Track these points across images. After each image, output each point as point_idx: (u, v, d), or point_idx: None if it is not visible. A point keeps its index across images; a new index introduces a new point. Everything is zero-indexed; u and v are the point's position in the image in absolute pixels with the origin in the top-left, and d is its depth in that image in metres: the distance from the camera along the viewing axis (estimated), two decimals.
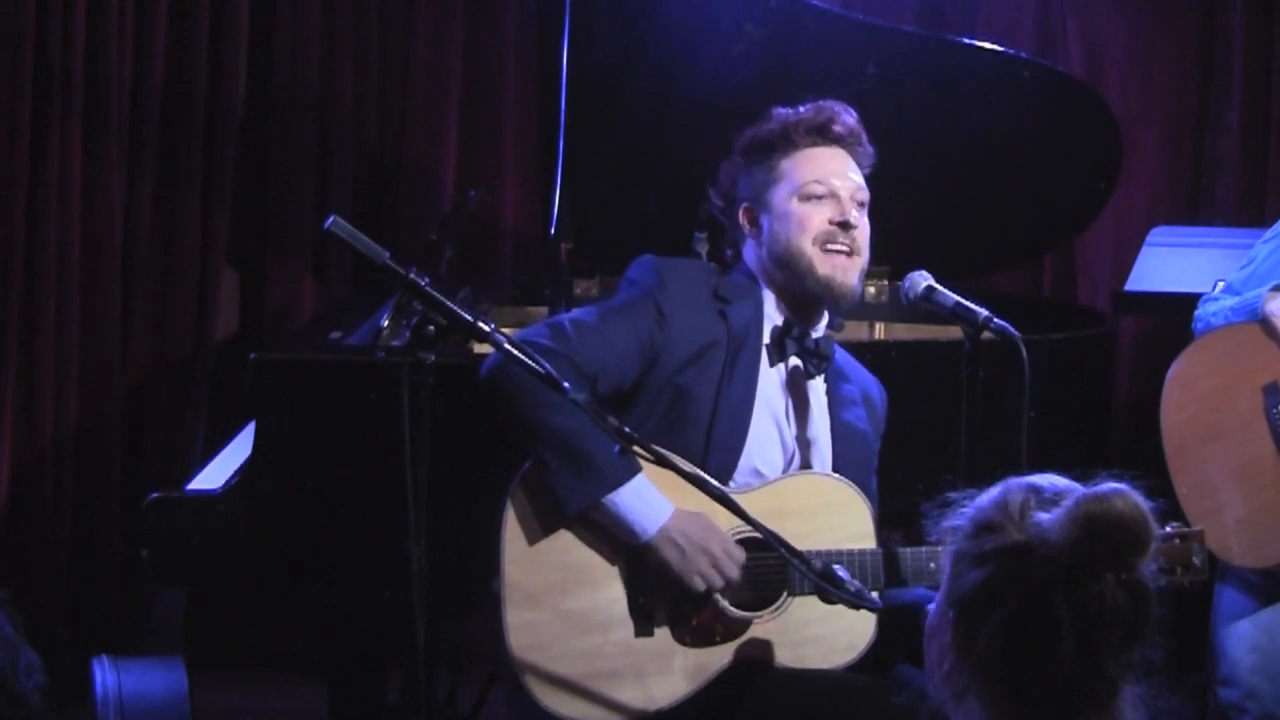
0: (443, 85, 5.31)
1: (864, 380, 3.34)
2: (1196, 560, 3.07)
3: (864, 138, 3.23)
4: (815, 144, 3.20)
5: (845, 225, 3.14)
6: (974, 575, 1.76)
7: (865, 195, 3.20)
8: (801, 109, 3.23)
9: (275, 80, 5.23)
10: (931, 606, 1.85)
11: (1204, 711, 3.83)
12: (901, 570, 3.06)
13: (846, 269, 3.14)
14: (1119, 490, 1.74)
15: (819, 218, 3.15)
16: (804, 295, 3.18)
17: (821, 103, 3.24)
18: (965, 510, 1.82)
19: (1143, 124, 5.40)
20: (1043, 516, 1.74)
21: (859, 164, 3.22)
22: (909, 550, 3.06)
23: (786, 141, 3.19)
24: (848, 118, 3.22)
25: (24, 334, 4.94)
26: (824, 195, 3.16)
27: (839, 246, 3.14)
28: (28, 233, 4.93)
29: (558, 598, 3.03)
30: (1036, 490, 1.78)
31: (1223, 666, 3.71)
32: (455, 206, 5.18)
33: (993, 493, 1.81)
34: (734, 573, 3.02)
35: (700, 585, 3.01)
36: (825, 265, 3.14)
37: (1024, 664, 1.73)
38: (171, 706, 3.68)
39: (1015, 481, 1.80)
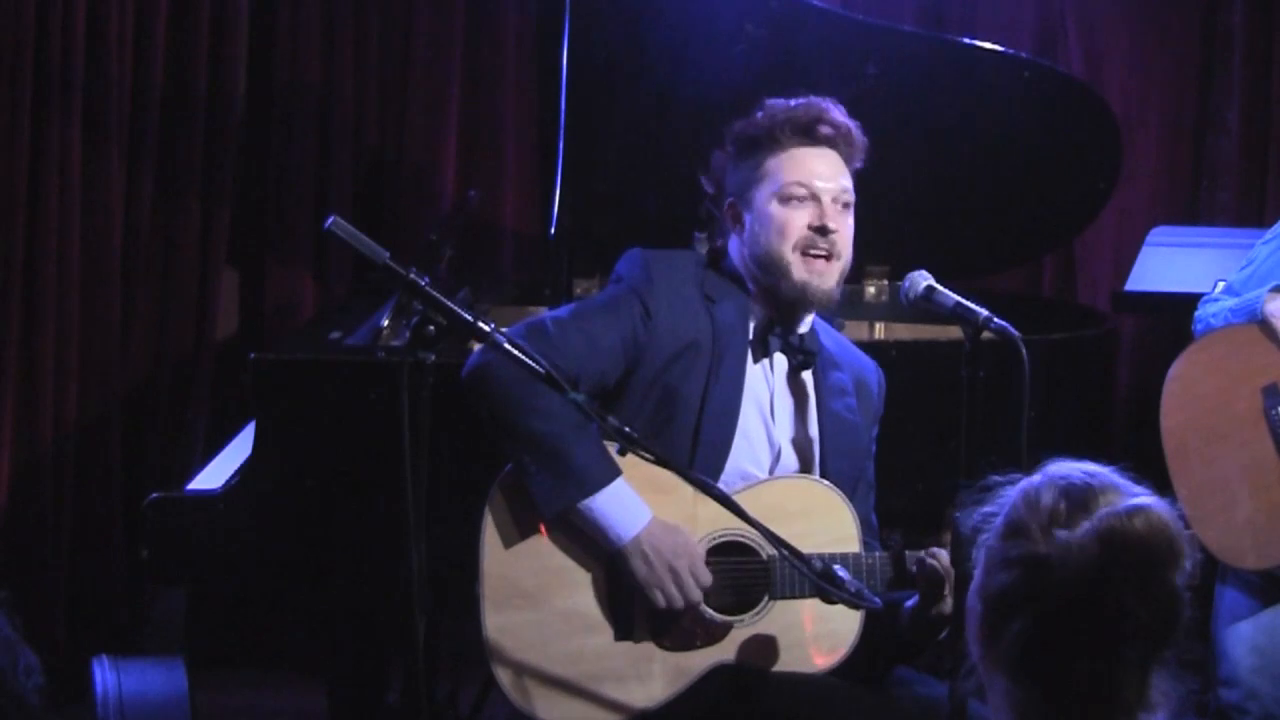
0: (443, 85, 5.31)
1: (857, 365, 3.30)
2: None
3: (854, 134, 3.16)
4: (801, 144, 3.14)
5: (824, 230, 3.09)
6: (1000, 579, 1.77)
7: (850, 197, 3.15)
8: (793, 103, 3.17)
9: (275, 80, 5.23)
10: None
11: (1204, 712, 3.83)
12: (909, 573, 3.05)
13: (824, 273, 3.11)
14: (1141, 508, 1.74)
15: (799, 221, 3.11)
16: (781, 296, 3.15)
17: (810, 100, 3.18)
18: (1003, 499, 1.82)
19: (1143, 124, 5.40)
20: (1064, 535, 1.74)
21: (848, 161, 3.16)
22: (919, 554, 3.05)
23: (772, 140, 3.14)
24: (836, 115, 3.16)
25: (24, 334, 4.94)
26: (805, 198, 3.11)
27: (818, 251, 3.11)
28: (28, 233, 4.92)
29: (537, 600, 3.03)
30: (1068, 494, 1.77)
31: (1223, 667, 3.71)
32: (455, 206, 5.17)
33: (1032, 482, 1.80)
34: (696, 595, 3.01)
35: (661, 601, 3.01)
36: (802, 270, 3.11)
37: (1043, 670, 1.75)
38: (171, 706, 3.68)
39: (1055, 473, 1.79)
